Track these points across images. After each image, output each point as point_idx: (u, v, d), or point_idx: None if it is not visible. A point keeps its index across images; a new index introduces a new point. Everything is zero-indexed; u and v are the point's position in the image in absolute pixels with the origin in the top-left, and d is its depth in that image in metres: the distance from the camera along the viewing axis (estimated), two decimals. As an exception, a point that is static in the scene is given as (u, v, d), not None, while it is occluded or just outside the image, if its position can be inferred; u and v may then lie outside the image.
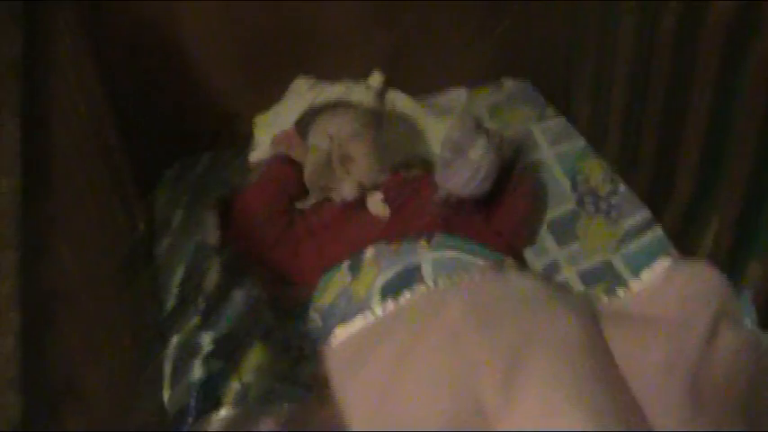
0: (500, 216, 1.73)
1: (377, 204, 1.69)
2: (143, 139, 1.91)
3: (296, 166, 1.78)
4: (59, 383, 0.94)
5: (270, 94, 2.01)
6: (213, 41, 1.91)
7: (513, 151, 1.76)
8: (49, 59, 1.34)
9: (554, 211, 1.81)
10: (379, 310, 1.42)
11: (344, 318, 1.46)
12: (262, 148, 1.97)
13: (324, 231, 1.69)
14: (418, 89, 2.08)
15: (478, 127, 1.65)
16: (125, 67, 1.86)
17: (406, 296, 1.42)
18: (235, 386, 1.46)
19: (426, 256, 1.50)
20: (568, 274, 1.71)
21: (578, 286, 1.69)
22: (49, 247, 1.05)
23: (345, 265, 1.57)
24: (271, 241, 1.69)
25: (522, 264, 1.71)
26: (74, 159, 1.37)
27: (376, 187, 1.73)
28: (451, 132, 1.65)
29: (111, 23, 1.79)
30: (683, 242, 1.75)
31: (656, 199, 1.83)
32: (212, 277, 1.66)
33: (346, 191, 1.70)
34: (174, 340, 1.53)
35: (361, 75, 2.01)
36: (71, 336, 1.06)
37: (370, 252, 1.56)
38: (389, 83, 2.04)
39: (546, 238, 1.79)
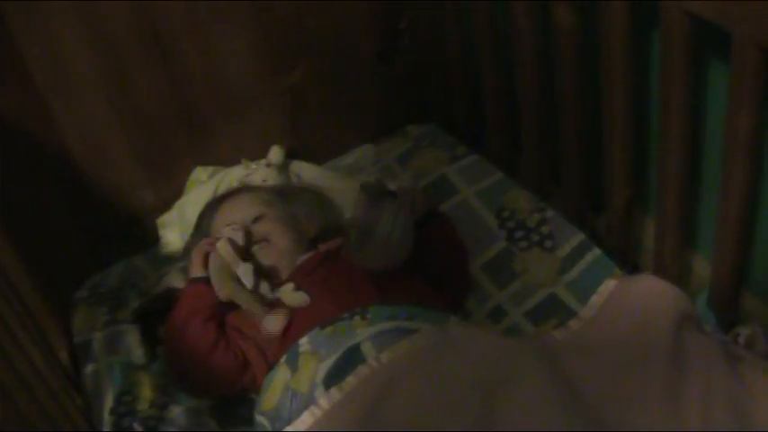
0: (433, 267, 1.67)
1: (291, 295, 1.60)
2: (48, 262, 1.81)
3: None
4: None
5: (173, 185, 1.94)
6: (100, 143, 1.82)
7: (429, 200, 1.72)
8: None
9: (486, 253, 1.75)
10: (324, 403, 1.34)
11: (291, 417, 1.38)
12: (172, 246, 1.90)
13: (256, 333, 1.60)
14: (324, 153, 2.04)
15: (381, 194, 1.61)
16: (13, 189, 1.74)
17: (351, 381, 1.35)
18: None
19: (364, 333, 1.42)
20: (515, 317, 1.65)
21: (528, 327, 1.62)
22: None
23: (283, 360, 1.49)
24: (207, 348, 1.58)
25: (465, 315, 1.65)
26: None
27: (285, 278, 1.65)
28: (355, 212, 1.61)
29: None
30: (624, 254, 1.71)
31: (586, 215, 1.79)
32: (146, 397, 1.57)
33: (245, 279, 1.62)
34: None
35: (262, 149, 1.95)
36: None
37: (304, 342, 1.47)
38: (293, 153, 1.98)
39: (483, 281, 1.72)
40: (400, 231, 1.56)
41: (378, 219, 1.56)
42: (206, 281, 1.63)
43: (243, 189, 1.83)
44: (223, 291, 1.60)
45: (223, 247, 1.63)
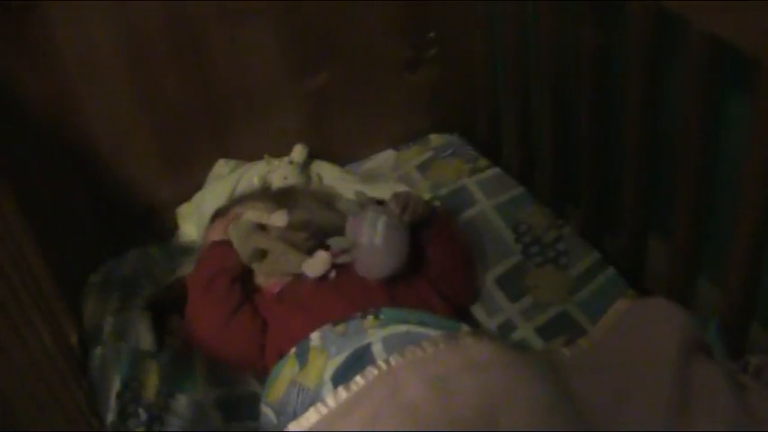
0: (439, 273, 1.67)
1: (322, 258, 1.60)
2: (64, 245, 1.81)
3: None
4: None
5: (193, 178, 1.95)
6: (125, 131, 1.84)
7: (427, 207, 1.71)
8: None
9: (501, 266, 1.74)
10: (331, 401, 1.34)
11: (297, 412, 1.37)
12: (189, 237, 1.91)
13: (275, 315, 1.61)
14: (345, 156, 2.04)
15: (363, 205, 1.62)
16: (34, 172, 1.75)
17: (359, 381, 1.34)
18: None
19: (375, 335, 1.42)
20: (525, 332, 1.64)
21: (537, 343, 1.61)
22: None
23: (292, 353, 1.49)
24: (231, 308, 1.59)
25: (474, 325, 1.64)
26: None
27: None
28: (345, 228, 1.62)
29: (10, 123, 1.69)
30: (635, 275, 1.70)
31: (601, 235, 1.79)
32: (152, 384, 1.57)
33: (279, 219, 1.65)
34: (117, 458, 1.43)
35: (284, 149, 1.96)
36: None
37: (315, 337, 1.47)
38: (315, 153, 1.99)
39: (496, 294, 1.71)
40: (383, 235, 1.57)
41: (359, 229, 1.57)
42: (230, 243, 1.64)
43: (260, 192, 1.84)
44: (253, 243, 1.61)
45: (251, 213, 1.66)
